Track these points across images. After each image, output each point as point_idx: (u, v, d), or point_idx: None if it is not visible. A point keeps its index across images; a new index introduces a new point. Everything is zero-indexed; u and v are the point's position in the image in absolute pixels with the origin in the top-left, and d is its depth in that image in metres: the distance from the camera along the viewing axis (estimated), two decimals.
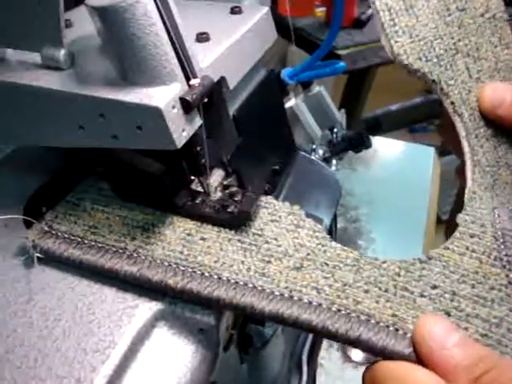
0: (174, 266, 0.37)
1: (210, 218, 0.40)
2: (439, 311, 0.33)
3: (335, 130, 0.70)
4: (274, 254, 0.37)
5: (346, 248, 0.37)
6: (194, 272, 0.36)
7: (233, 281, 0.36)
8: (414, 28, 0.40)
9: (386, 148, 0.94)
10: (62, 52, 0.37)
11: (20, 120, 0.39)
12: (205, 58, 0.38)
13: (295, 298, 0.34)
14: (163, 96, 0.33)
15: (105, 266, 0.37)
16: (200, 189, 0.42)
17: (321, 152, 0.65)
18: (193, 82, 0.35)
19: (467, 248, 0.36)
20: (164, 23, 0.33)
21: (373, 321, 0.33)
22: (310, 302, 0.34)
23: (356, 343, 0.32)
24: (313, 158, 0.55)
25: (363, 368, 0.33)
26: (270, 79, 0.50)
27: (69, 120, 0.36)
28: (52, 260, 0.39)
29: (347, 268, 0.36)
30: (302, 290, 0.35)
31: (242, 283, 0.35)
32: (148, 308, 0.36)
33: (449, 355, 0.29)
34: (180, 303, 0.37)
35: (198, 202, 0.40)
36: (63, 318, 0.36)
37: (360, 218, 0.90)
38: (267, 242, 0.38)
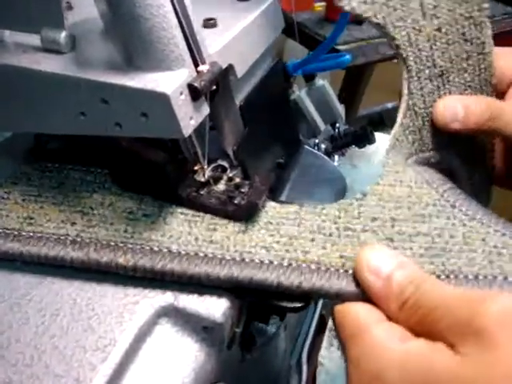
0: (121, 245, 0.36)
1: (216, 209, 0.38)
2: (383, 240, 0.35)
3: (337, 124, 0.68)
4: (219, 222, 0.38)
5: (284, 204, 0.39)
6: (143, 248, 0.36)
7: (183, 252, 0.36)
8: None
9: (387, 144, 0.92)
10: (63, 34, 0.35)
11: (18, 105, 0.37)
12: (213, 44, 0.37)
13: (247, 260, 0.35)
14: (170, 82, 0.31)
15: (48, 254, 0.36)
16: (204, 180, 0.41)
17: (323, 147, 0.63)
18: (201, 68, 0.34)
19: (395, 180, 0.39)
20: (173, 5, 0.31)
21: (323, 267, 0.34)
22: (262, 261, 0.35)
23: (311, 294, 0.33)
24: (317, 152, 0.54)
25: None
26: (276, 69, 0.48)
27: (69, 106, 0.34)
28: None
29: (290, 222, 0.37)
30: (251, 251, 0.35)
31: (192, 253, 0.35)
32: (150, 304, 0.35)
33: (382, 284, 0.30)
34: (183, 299, 0.35)
35: (202, 193, 0.39)
36: (61, 313, 0.34)
37: None
38: None
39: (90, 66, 0.33)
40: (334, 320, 0.33)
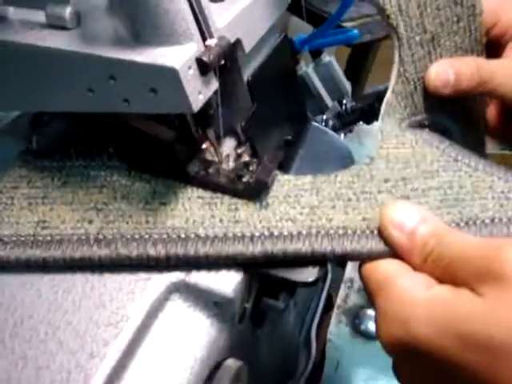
0: (147, 236, 0.36)
1: (225, 187, 0.38)
2: (399, 198, 0.37)
3: (344, 101, 0.68)
4: (239, 201, 0.38)
5: (298, 176, 0.39)
6: (170, 236, 0.35)
7: (212, 235, 0.35)
8: None
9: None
10: (68, 10, 0.34)
11: (24, 84, 0.37)
12: (220, 19, 0.36)
13: (276, 234, 0.35)
14: (179, 56, 0.31)
15: (74, 256, 0.35)
16: (212, 158, 0.40)
17: (331, 123, 0.63)
18: (209, 42, 0.33)
19: (397, 142, 0.40)
20: None
21: (350, 231, 0.35)
22: (291, 233, 0.35)
23: (346, 257, 0.34)
24: (325, 128, 0.54)
25: (373, 343, 0.34)
26: (283, 45, 0.47)
27: (77, 82, 0.34)
28: (11, 268, 0.36)
29: (307, 193, 0.38)
30: (277, 225, 0.36)
31: (221, 235, 0.35)
32: (161, 280, 0.35)
33: (407, 238, 0.32)
34: (194, 275, 0.35)
35: (211, 171, 0.39)
36: (73, 290, 0.34)
37: None
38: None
39: (97, 42, 0.33)
40: (362, 279, 0.34)
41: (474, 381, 0.27)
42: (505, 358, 0.26)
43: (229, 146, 0.42)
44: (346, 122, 0.66)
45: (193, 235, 0.35)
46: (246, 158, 0.42)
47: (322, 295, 0.66)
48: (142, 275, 0.35)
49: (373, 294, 0.32)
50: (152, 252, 0.35)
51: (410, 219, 0.32)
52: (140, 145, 0.39)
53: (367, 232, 0.35)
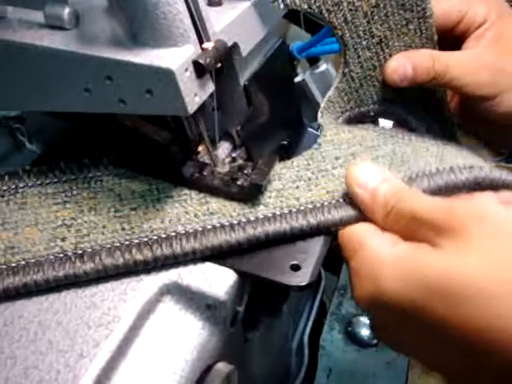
0: (127, 242, 0.35)
1: (219, 190, 0.38)
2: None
3: None
4: (206, 194, 0.39)
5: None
6: (151, 239, 0.35)
7: (192, 230, 0.36)
8: None
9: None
10: (67, 10, 0.35)
11: (21, 83, 0.37)
12: (218, 22, 0.36)
13: (252, 219, 0.36)
14: (176, 58, 0.31)
15: (58, 275, 0.33)
16: (207, 160, 0.41)
17: None
18: (206, 45, 0.33)
19: (337, 130, 0.44)
20: None
21: (318, 205, 0.37)
22: (266, 216, 0.37)
23: (318, 230, 0.36)
24: None
25: (366, 350, 0.34)
26: (281, 50, 0.48)
27: (74, 82, 0.34)
28: None
29: (273, 178, 0.40)
30: (251, 211, 0.37)
31: (200, 229, 0.36)
32: (153, 282, 0.35)
33: (370, 197, 0.34)
34: (186, 277, 0.35)
35: (206, 173, 0.39)
36: (64, 290, 0.34)
37: None
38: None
39: (95, 42, 0.33)
40: (339, 247, 0.36)
41: (443, 327, 0.28)
42: (466, 302, 0.27)
43: (224, 149, 0.42)
44: None
45: (173, 233, 0.36)
46: (240, 161, 0.42)
47: (315, 302, 0.66)
48: (134, 276, 0.35)
49: (348, 257, 0.34)
50: (139, 257, 0.34)
51: (372, 179, 0.35)
52: (135, 146, 0.39)
53: (333, 202, 0.37)
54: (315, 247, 0.37)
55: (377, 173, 0.35)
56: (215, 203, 0.38)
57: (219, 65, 0.34)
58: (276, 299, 0.41)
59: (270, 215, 0.37)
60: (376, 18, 0.42)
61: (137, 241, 0.35)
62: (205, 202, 0.38)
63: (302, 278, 0.35)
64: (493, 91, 0.43)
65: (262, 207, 0.37)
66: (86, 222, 0.37)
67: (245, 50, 0.39)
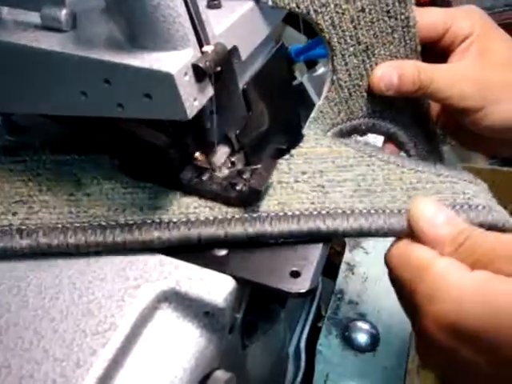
0: (69, 225, 0.37)
1: (218, 195, 0.38)
2: (315, 187, 0.39)
3: None
4: (160, 189, 0.39)
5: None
6: (91, 225, 0.37)
7: (131, 222, 0.37)
8: None
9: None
10: (64, 12, 0.34)
11: (16, 85, 0.36)
12: (217, 25, 0.36)
13: (192, 219, 0.37)
14: (175, 62, 0.31)
15: None
16: (206, 165, 0.40)
17: None
18: (206, 48, 0.33)
19: (316, 143, 0.43)
20: None
21: (264, 214, 0.37)
22: (207, 218, 0.37)
23: (259, 238, 0.36)
24: None
25: (363, 355, 0.34)
26: (280, 54, 0.47)
27: (70, 85, 0.34)
28: None
29: None
30: (195, 212, 0.37)
31: (140, 222, 0.37)
32: (151, 289, 0.34)
33: (436, 232, 0.33)
34: (185, 284, 0.35)
35: (204, 178, 0.38)
36: (60, 297, 0.34)
37: None
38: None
39: (92, 45, 0.33)
40: (391, 272, 0.35)
41: None
42: None
43: (222, 154, 0.42)
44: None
45: (113, 223, 0.37)
46: (239, 166, 0.41)
47: (312, 307, 0.65)
48: (132, 283, 0.34)
49: (412, 279, 0.33)
50: (71, 240, 0.36)
51: (438, 217, 0.34)
52: (133, 150, 0.39)
53: (281, 214, 0.37)
54: (315, 254, 0.37)
55: (441, 211, 0.34)
56: (163, 199, 0.38)
57: (219, 68, 0.34)
58: (274, 305, 0.41)
59: (210, 218, 0.37)
60: (362, 23, 0.42)
61: (77, 225, 0.37)
62: (154, 197, 0.39)
63: (301, 285, 0.35)
64: (478, 104, 0.43)
65: (207, 209, 0.38)
66: (40, 200, 0.39)
67: (244, 53, 0.39)
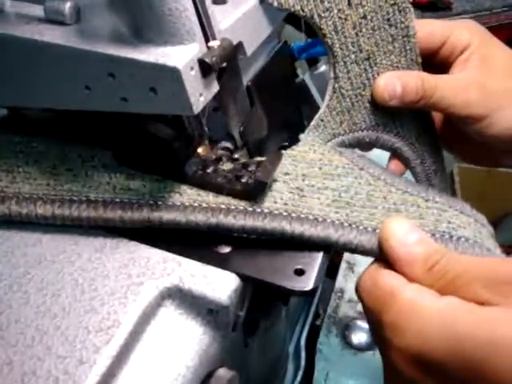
0: (43, 196, 0.38)
1: (223, 188, 0.37)
2: (294, 189, 0.38)
3: None
4: (137, 172, 0.39)
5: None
6: (64, 198, 0.38)
7: (101, 200, 0.37)
8: None
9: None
10: (68, 5, 0.34)
11: (19, 79, 0.36)
12: (222, 21, 0.35)
13: (159, 203, 0.37)
14: (181, 56, 0.30)
15: None
16: (210, 159, 0.40)
17: None
18: (212, 43, 0.32)
19: (309, 149, 0.42)
20: None
21: (233, 207, 0.37)
22: (174, 204, 0.37)
23: (218, 229, 0.36)
24: None
25: (363, 354, 0.33)
26: (283, 51, 0.47)
27: (74, 79, 0.33)
28: None
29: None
30: (164, 196, 0.37)
31: (108, 200, 0.37)
32: (154, 286, 0.34)
33: (408, 251, 0.32)
34: (188, 281, 0.34)
35: (209, 171, 0.38)
36: (62, 293, 0.33)
37: None
38: None
39: (97, 38, 0.32)
40: (360, 298, 0.34)
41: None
42: None
43: (225, 150, 0.42)
44: None
45: (84, 198, 0.38)
46: (244, 160, 0.41)
47: (312, 306, 0.65)
48: (135, 279, 0.34)
49: (378, 309, 0.32)
50: (40, 211, 0.37)
51: (410, 237, 0.33)
52: (137, 142, 0.38)
53: (249, 209, 0.36)
54: (319, 252, 0.36)
55: (414, 232, 0.33)
56: (139, 182, 0.38)
57: (224, 64, 0.33)
58: (276, 303, 0.41)
59: (178, 204, 0.37)
60: (364, 30, 0.42)
61: (51, 197, 0.38)
62: (131, 178, 0.39)
63: (305, 283, 0.34)
64: (482, 111, 0.42)
65: (177, 195, 0.38)
66: (25, 171, 0.40)
67: (249, 49, 0.38)
